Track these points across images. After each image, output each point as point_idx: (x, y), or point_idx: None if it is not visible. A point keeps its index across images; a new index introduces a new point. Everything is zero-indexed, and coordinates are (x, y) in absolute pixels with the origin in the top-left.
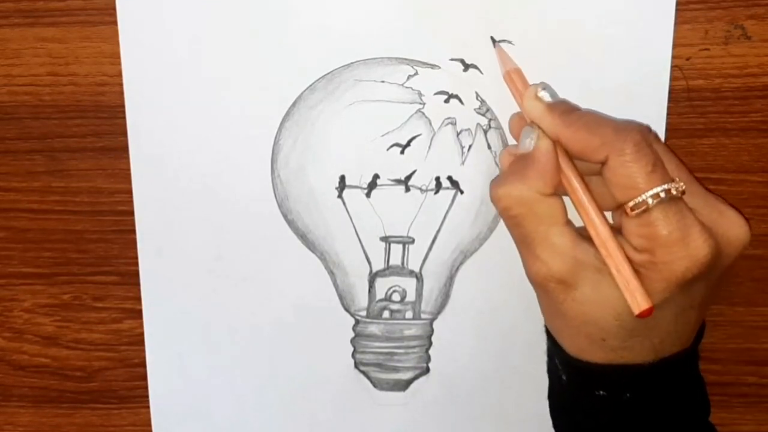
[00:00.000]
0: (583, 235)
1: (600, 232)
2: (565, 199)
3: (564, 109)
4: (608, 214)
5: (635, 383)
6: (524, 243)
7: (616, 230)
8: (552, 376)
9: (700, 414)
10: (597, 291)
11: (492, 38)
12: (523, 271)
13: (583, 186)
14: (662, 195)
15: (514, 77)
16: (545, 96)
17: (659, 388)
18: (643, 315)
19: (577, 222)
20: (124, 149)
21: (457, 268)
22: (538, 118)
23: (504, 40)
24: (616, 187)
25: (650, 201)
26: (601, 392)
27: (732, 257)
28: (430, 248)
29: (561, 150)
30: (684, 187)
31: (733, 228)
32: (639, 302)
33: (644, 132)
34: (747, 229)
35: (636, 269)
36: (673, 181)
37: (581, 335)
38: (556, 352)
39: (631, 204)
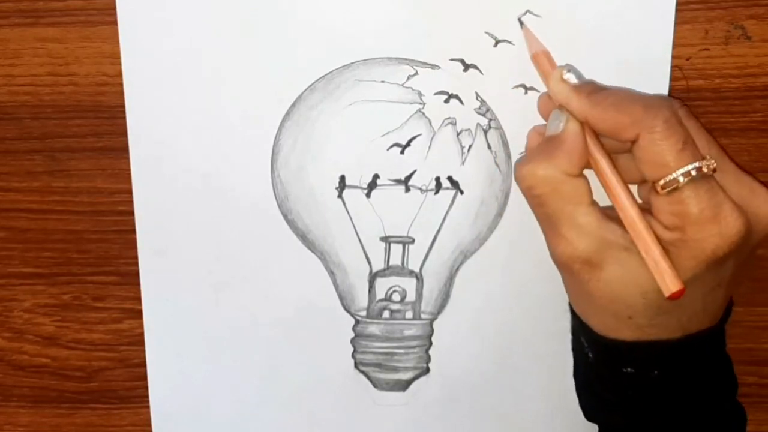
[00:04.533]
0: (608, 215)
1: (629, 213)
2: (591, 179)
3: (590, 89)
4: (633, 189)
5: (663, 360)
6: (548, 223)
7: (645, 208)
8: (577, 355)
9: (727, 392)
10: (623, 270)
11: (519, 20)
12: (523, 270)
13: (611, 166)
14: (693, 173)
15: (541, 59)
16: (571, 78)
17: (687, 365)
18: (673, 297)
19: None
20: (124, 149)
21: (457, 268)
22: (565, 99)
23: (504, 40)
24: (646, 165)
25: (681, 179)
26: (629, 369)
27: (761, 235)
28: (430, 248)
29: (588, 130)
30: (715, 165)
31: (764, 205)
32: (668, 284)
33: (674, 108)
34: None
35: (665, 247)
36: (704, 158)
37: (607, 314)
38: (581, 330)
39: (661, 182)
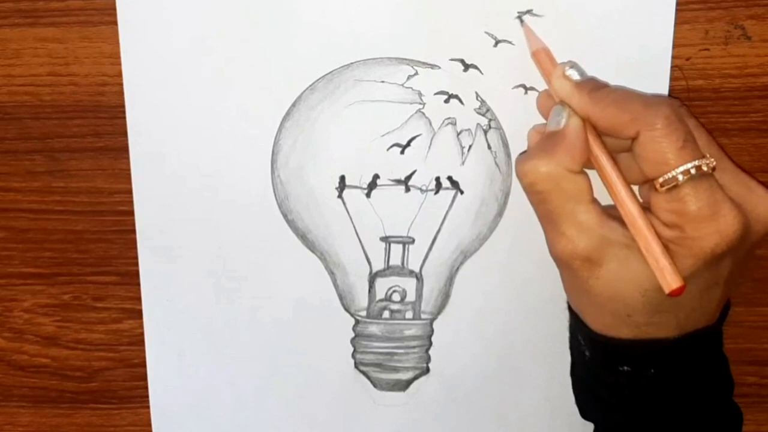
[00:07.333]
0: (609, 213)
1: (629, 210)
2: (592, 177)
3: (592, 86)
4: (634, 188)
5: (659, 358)
6: (549, 220)
7: (644, 206)
8: (575, 353)
9: (723, 391)
10: (623, 267)
11: (519, 17)
12: (523, 270)
13: (612, 163)
14: (693, 171)
15: (541, 56)
16: (573, 74)
17: (683, 364)
18: (673, 294)
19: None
20: (124, 149)
21: (457, 268)
22: (567, 96)
23: (504, 40)
24: (646, 163)
25: (680, 177)
26: (626, 368)
27: (760, 234)
28: (430, 248)
29: (590, 127)
30: (714, 164)
31: (762, 205)
32: (669, 281)
33: (675, 106)
34: None
35: (664, 245)
36: (703, 157)
37: (605, 312)
38: (579, 328)
39: (660, 180)
